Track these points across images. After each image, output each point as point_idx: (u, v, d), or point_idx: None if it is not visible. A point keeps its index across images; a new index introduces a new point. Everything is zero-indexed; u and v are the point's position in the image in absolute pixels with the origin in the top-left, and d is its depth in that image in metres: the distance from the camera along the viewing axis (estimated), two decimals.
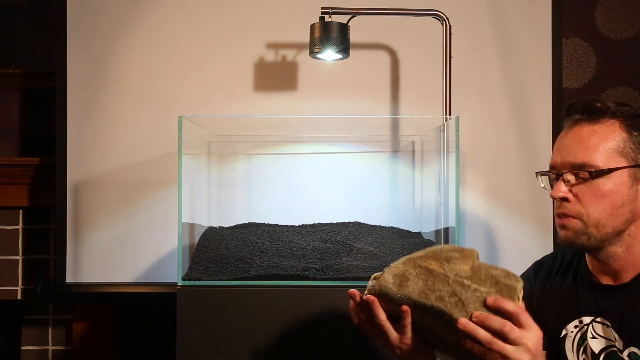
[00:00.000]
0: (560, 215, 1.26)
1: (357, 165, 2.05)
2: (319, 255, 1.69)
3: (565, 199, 1.24)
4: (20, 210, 2.27)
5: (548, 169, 1.30)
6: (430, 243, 1.78)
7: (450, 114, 1.88)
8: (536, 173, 1.34)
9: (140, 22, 2.10)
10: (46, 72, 2.25)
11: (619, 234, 1.23)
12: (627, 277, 1.25)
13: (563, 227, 1.26)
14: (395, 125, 2.06)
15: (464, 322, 1.12)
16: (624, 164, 1.21)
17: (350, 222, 1.92)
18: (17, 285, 2.27)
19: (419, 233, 1.92)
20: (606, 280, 1.28)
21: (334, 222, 1.92)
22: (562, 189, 1.24)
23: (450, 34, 1.88)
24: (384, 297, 1.18)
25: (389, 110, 2.10)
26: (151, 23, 2.10)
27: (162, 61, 2.10)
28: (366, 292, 1.21)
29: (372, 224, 1.92)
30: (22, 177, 2.22)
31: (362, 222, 1.92)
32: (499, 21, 2.10)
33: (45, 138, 2.31)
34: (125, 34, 2.09)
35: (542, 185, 1.33)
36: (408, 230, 1.91)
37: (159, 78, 2.09)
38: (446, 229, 1.75)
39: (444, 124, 1.82)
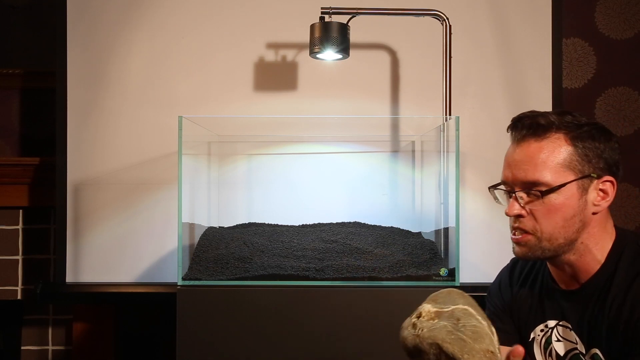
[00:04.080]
0: (515, 231, 1.30)
1: (357, 165, 2.05)
2: (319, 255, 1.69)
3: (520, 216, 1.28)
4: (20, 210, 2.28)
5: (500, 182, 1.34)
6: (429, 243, 1.78)
7: (450, 114, 1.88)
8: (489, 187, 1.36)
9: (140, 22, 2.10)
10: (46, 72, 2.25)
11: (571, 243, 1.27)
12: (580, 282, 1.30)
13: (518, 243, 1.30)
14: (395, 125, 2.06)
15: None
16: (572, 177, 1.25)
17: (350, 222, 1.92)
18: (17, 285, 2.27)
19: (419, 233, 1.92)
20: (565, 285, 1.33)
21: (334, 222, 1.92)
22: (517, 207, 1.28)
23: (450, 33, 1.88)
24: None
25: (389, 110, 2.10)
26: (151, 23, 2.10)
27: (162, 61, 2.10)
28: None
29: (372, 224, 1.92)
30: (22, 177, 2.22)
31: (362, 222, 1.92)
32: (499, 21, 2.10)
33: (45, 138, 2.31)
34: (125, 34, 2.10)
35: (496, 199, 1.36)
36: (408, 230, 1.91)
37: (158, 78, 2.10)
38: (446, 229, 1.74)
39: (444, 124, 1.82)
